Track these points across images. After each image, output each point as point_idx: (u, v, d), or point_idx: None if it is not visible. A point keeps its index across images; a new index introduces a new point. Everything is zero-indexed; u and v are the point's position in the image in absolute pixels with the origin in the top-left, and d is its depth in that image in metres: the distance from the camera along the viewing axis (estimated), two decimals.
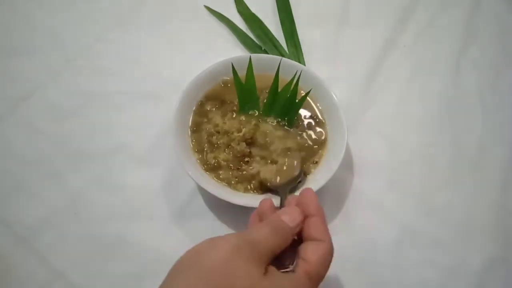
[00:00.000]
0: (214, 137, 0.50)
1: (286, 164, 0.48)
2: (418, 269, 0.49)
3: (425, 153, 0.56)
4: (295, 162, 0.49)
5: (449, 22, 0.65)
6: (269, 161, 0.49)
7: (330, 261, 0.36)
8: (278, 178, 0.48)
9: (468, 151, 0.56)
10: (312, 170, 0.49)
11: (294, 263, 0.35)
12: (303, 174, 0.49)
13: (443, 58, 0.62)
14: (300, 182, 0.48)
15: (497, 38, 0.64)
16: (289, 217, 0.37)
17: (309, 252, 0.35)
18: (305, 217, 0.38)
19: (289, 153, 0.49)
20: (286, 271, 0.35)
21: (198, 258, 0.33)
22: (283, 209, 0.39)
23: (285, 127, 0.51)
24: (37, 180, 0.52)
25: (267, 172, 0.48)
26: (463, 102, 0.59)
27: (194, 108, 0.51)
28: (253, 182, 0.48)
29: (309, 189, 0.40)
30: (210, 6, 0.65)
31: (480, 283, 0.48)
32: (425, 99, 0.59)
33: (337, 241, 0.49)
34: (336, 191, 0.52)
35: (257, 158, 0.49)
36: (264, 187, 0.48)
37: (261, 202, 0.41)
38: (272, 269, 0.34)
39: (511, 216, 0.52)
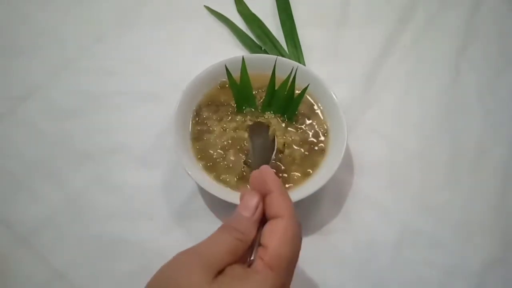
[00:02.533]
0: (217, 145, 0.50)
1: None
2: (418, 269, 0.49)
3: (425, 153, 0.56)
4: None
5: (449, 22, 0.66)
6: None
7: (294, 238, 0.31)
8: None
9: (467, 151, 0.56)
10: (312, 170, 0.49)
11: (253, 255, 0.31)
12: (278, 152, 0.48)
13: (443, 58, 0.63)
14: (274, 160, 0.47)
15: (497, 38, 0.64)
16: (242, 207, 0.33)
17: (266, 235, 0.31)
18: (264, 196, 0.33)
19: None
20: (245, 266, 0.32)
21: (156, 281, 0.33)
22: (242, 200, 0.34)
23: (286, 122, 0.52)
24: (37, 180, 0.52)
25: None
26: (463, 102, 0.59)
27: (192, 112, 0.51)
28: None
29: (264, 167, 0.35)
30: (210, 6, 0.65)
31: (479, 283, 0.48)
32: (425, 99, 0.59)
33: (337, 241, 0.50)
34: (336, 191, 0.52)
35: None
36: None
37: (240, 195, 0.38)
38: (230, 269, 0.31)
39: (510, 216, 0.52)
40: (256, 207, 0.33)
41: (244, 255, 0.32)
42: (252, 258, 0.32)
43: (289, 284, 0.32)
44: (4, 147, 0.54)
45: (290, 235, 0.31)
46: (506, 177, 0.54)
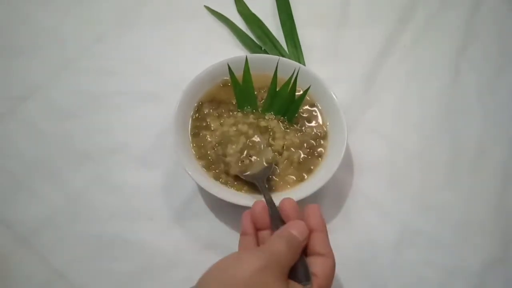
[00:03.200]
0: (216, 145, 0.50)
1: (255, 155, 0.49)
2: (418, 269, 0.49)
3: (425, 153, 0.56)
4: (264, 150, 0.49)
5: (449, 22, 0.66)
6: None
7: (333, 276, 0.38)
8: (250, 170, 0.48)
9: (467, 151, 0.56)
10: (311, 171, 0.49)
11: (311, 278, 0.36)
12: (274, 164, 0.49)
13: (443, 58, 0.63)
14: (271, 172, 0.49)
15: (497, 38, 0.64)
16: (298, 230, 0.38)
17: (319, 267, 0.37)
18: (310, 231, 0.39)
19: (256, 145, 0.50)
20: (304, 285, 0.36)
21: (225, 273, 0.34)
22: (291, 222, 0.39)
23: (286, 124, 0.52)
24: (37, 180, 0.52)
25: (237, 166, 0.49)
26: (463, 102, 0.59)
27: (192, 111, 0.52)
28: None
29: (315, 205, 0.41)
30: (210, 6, 0.65)
31: (479, 283, 0.48)
32: (425, 99, 0.59)
33: (337, 241, 0.49)
34: (336, 191, 0.52)
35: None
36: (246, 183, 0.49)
37: (254, 204, 0.42)
38: (292, 283, 0.35)
39: (510, 216, 0.52)
40: (307, 237, 0.38)
41: None
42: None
43: None
44: (4, 147, 0.54)
45: (333, 272, 0.38)
46: (506, 177, 0.54)
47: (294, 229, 0.38)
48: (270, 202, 0.43)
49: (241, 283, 0.33)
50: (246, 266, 0.33)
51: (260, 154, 0.49)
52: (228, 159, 0.49)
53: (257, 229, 0.42)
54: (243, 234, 0.42)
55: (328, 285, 0.37)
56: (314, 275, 0.36)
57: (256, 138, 0.50)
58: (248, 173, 0.48)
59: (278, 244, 0.36)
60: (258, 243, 0.41)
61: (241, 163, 0.49)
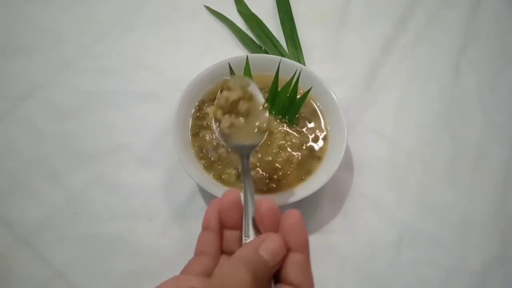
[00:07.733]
0: (216, 146, 0.50)
1: (255, 123, 0.40)
2: (418, 269, 0.49)
3: (425, 153, 0.56)
4: (259, 113, 0.39)
5: (449, 22, 0.66)
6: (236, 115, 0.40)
7: None
8: (236, 137, 0.38)
9: (467, 151, 0.56)
10: (311, 172, 0.49)
11: None
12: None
13: (443, 58, 0.63)
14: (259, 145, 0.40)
15: (497, 38, 0.64)
16: (270, 252, 0.28)
17: None
18: (287, 250, 0.29)
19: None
20: None
21: None
22: (261, 237, 0.29)
23: (286, 125, 0.52)
24: (37, 180, 0.52)
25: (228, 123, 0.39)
26: (463, 102, 0.59)
27: (193, 111, 0.51)
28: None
29: (295, 211, 0.30)
30: (210, 6, 0.65)
31: (480, 283, 0.48)
32: (425, 99, 0.59)
33: (337, 241, 0.50)
34: (336, 190, 0.52)
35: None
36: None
37: (224, 194, 0.32)
38: None
39: (510, 216, 0.52)
40: (281, 261, 0.28)
41: None
42: None
43: None
44: (4, 147, 0.54)
45: None
46: (506, 177, 0.54)
47: (265, 249, 0.28)
48: (247, 193, 0.33)
49: None
50: None
51: (252, 116, 0.39)
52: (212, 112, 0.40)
53: (223, 227, 0.33)
54: (204, 228, 0.33)
55: None
56: None
57: (259, 98, 0.40)
58: (233, 141, 0.39)
59: (240, 274, 0.26)
60: (222, 244, 0.33)
61: (230, 116, 0.39)
